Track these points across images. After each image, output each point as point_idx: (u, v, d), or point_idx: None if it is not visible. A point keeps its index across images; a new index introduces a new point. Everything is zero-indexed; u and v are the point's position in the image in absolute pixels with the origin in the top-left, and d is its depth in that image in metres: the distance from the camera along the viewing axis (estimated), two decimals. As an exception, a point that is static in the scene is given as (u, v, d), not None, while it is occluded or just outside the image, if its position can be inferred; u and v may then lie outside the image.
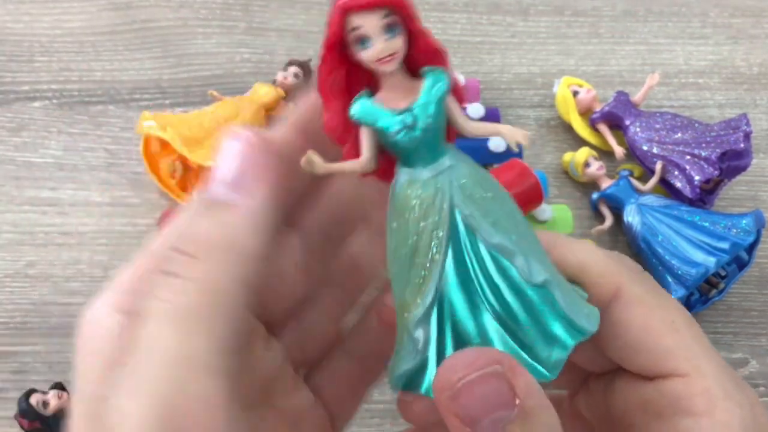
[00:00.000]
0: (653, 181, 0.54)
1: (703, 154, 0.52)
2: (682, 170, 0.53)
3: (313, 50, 0.63)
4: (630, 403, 0.26)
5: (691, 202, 0.53)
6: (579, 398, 0.30)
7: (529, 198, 0.50)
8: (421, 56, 0.23)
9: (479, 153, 0.55)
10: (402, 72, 0.23)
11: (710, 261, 0.48)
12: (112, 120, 0.58)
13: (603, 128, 0.58)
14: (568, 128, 0.60)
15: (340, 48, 0.23)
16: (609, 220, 0.55)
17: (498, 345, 0.23)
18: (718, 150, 0.52)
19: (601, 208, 0.55)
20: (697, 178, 0.52)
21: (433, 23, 0.66)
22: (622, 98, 0.58)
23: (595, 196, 0.56)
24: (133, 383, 0.19)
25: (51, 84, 0.59)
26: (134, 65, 0.61)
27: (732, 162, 0.53)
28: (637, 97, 0.58)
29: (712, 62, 0.65)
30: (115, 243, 0.52)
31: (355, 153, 0.24)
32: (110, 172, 0.55)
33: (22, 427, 0.45)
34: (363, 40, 0.22)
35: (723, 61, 0.65)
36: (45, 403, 0.45)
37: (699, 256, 0.49)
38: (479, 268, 0.23)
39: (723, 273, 0.52)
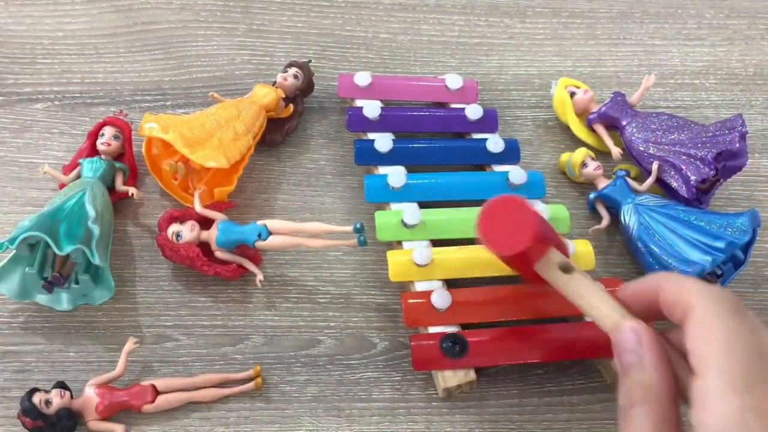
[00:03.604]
0: (650, 181, 0.54)
1: (699, 154, 0.53)
2: (679, 170, 0.54)
3: (312, 52, 0.63)
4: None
5: (687, 202, 0.53)
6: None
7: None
8: None
9: (478, 153, 0.56)
10: None
11: (706, 260, 0.49)
12: (114, 121, 0.58)
13: (600, 129, 0.59)
14: (566, 129, 0.61)
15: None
16: (606, 220, 0.55)
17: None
18: (714, 150, 0.52)
19: (598, 208, 0.56)
20: (693, 178, 0.52)
21: (432, 25, 0.66)
22: (619, 99, 0.58)
23: (592, 196, 0.56)
24: None
25: (53, 86, 0.60)
26: (135, 67, 0.61)
27: (728, 162, 0.53)
28: (633, 97, 0.59)
29: (708, 63, 0.66)
30: (117, 243, 0.53)
31: None
32: (112, 173, 0.56)
33: (24, 426, 0.45)
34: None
35: (719, 62, 0.66)
36: (47, 402, 0.45)
37: (695, 255, 0.49)
38: None
39: (719, 272, 0.52)
